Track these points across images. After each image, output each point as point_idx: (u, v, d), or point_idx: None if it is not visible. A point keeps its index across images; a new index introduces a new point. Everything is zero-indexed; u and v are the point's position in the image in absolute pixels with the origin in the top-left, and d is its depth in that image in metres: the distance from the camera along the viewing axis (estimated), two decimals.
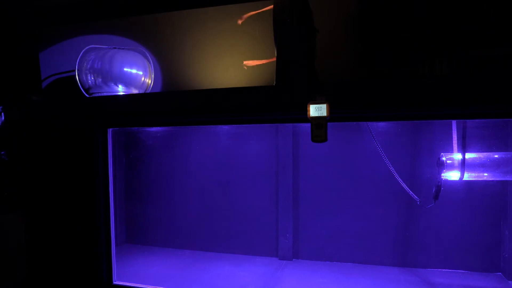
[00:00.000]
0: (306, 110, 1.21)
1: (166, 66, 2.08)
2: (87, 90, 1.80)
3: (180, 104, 1.43)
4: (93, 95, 1.78)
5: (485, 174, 1.49)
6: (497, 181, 1.67)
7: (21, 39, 2.12)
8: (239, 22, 1.84)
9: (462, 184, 1.68)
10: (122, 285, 1.57)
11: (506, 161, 1.47)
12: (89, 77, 1.76)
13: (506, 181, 1.65)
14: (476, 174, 1.50)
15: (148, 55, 1.93)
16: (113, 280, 1.56)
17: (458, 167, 1.51)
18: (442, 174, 1.54)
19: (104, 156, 1.54)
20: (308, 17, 1.51)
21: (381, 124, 1.78)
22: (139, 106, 1.49)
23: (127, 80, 1.76)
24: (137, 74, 1.79)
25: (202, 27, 2.01)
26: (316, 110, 1.21)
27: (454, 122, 1.55)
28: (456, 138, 1.55)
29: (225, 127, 2.05)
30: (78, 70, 1.79)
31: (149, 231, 2.25)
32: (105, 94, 1.75)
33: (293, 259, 1.99)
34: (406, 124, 1.78)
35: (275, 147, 1.98)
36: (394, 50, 1.47)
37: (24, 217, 1.66)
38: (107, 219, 1.55)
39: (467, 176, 1.51)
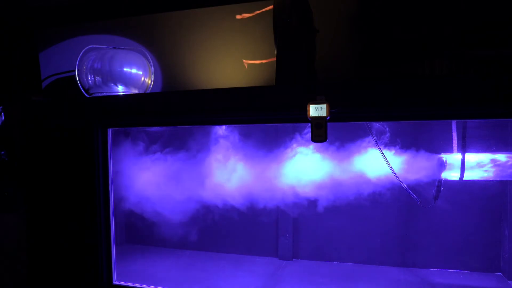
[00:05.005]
0: (306, 110, 1.22)
1: (166, 66, 2.08)
2: (87, 90, 1.80)
3: (180, 104, 1.43)
4: (93, 95, 1.78)
5: None
6: (497, 181, 1.66)
7: (21, 39, 2.12)
8: (238, 17, 1.83)
9: (462, 184, 1.68)
10: (122, 285, 1.57)
11: None
12: (89, 77, 1.76)
13: (506, 181, 1.65)
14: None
15: (148, 55, 1.93)
16: (113, 280, 1.56)
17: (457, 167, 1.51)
18: (442, 174, 1.54)
19: (104, 156, 1.54)
20: (308, 17, 1.51)
21: (381, 124, 1.78)
22: (139, 106, 1.49)
23: (127, 80, 1.76)
24: (137, 74, 1.79)
25: (202, 27, 2.00)
26: (316, 110, 1.21)
27: (454, 122, 1.55)
28: (456, 138, 1.55)
29: (225, 126, 2.05)
30: (78, 70, 1.79)
31: (149, 231, 2.24)
32: (105, 94, 1.75)
33: (293, 259, 1.99)
34: (406, 124, 1.78)
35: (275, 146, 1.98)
36: (394, 50, 1.47)
37: (24, 217, 1.66)
38: (107, 219, 1.55)
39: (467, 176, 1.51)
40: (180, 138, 2.06)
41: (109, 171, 1.55)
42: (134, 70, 1.78)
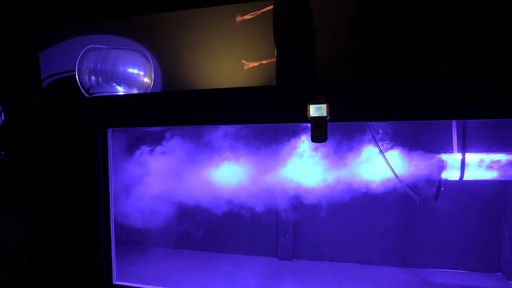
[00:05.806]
0: (306, 110, 1.21)
1: (166, 66, 2.08)
2: (87, 90, 1.80)
3: (180, 104, 1.43)
4: (93, 95, 1.78)
5: None
6: (497, 181, 1.67)
7: (21, 39, 2.12)
8: (238, 19, 1.83)
9: (462, 184, 1.68)
10: (122, 285, 1.57)
11: None
12: (89, 77, 1.76)
13: (506, 181, 1.65)
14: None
15: (148, 55, 1.93)
16: (113, 280, 1.56)
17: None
18: (442, 174, 1.54)
19: (104, 156, 1.54)
20: (308, 17, 1.51)
21: (381, 124, 1.78)
22: (139, 106, 1.49)
23: (127, 80, 1.76)
24: (137, 74, 1.79)
25: (202, 27, 2.00)
26: (316, 110, 1.21)
27: (454, 122, 1.55)
28: (456, 138, 1.55)
29: (225, 127, 2.05)
30: (78, 70, 1.79)
31: (149, 231, 2.24)
32: (105, 94, 1.75)
33: (293, 259, 1.99)
34: (406, 124, 1.78)
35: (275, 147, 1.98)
36: (394, 50, 1.47)
37: (24, 217, 1.66)
38: (107, 219, 1.55)
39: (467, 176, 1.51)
40: (180, 138, 2.07)
41: (109, 171, 1.55)
42: (134, 70, 1.78)
